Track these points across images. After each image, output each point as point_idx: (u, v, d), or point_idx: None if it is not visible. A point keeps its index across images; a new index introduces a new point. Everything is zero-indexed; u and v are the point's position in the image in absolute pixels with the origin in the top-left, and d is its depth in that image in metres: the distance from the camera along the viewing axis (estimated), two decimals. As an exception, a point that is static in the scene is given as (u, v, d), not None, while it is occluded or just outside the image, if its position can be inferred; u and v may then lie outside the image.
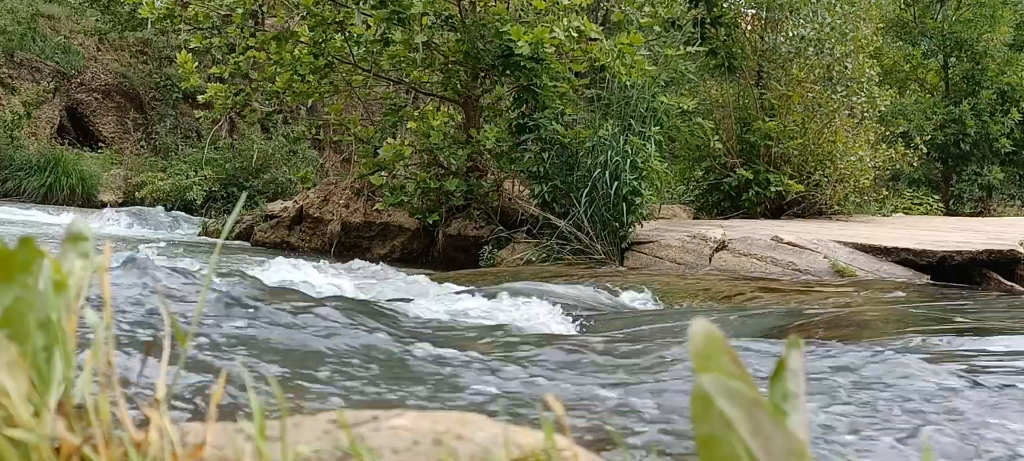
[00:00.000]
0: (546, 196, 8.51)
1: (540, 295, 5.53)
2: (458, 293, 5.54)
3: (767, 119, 11.42)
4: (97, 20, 20.68)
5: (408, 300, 5.23)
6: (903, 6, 18.56)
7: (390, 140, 9.84)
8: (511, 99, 9.16)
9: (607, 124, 8.41)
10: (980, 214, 16.85)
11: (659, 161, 8.66)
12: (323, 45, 9.35)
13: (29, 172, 17.20)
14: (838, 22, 11.28)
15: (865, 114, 11.81)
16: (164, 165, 17.47)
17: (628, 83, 8.66)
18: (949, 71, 18.21)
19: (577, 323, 4.84)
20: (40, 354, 0.74)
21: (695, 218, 11.39)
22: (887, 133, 13.14)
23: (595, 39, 8.61)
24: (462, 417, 0.82)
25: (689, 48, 9.93)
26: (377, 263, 8.34)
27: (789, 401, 0.63)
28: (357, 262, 8.17)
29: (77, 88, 20.66)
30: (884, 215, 12.93)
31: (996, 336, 4.25)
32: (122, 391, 0.76)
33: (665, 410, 2.63)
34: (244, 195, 1.19)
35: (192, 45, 11.19)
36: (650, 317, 5.26)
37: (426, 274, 7.21)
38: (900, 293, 6.13)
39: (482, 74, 9.33)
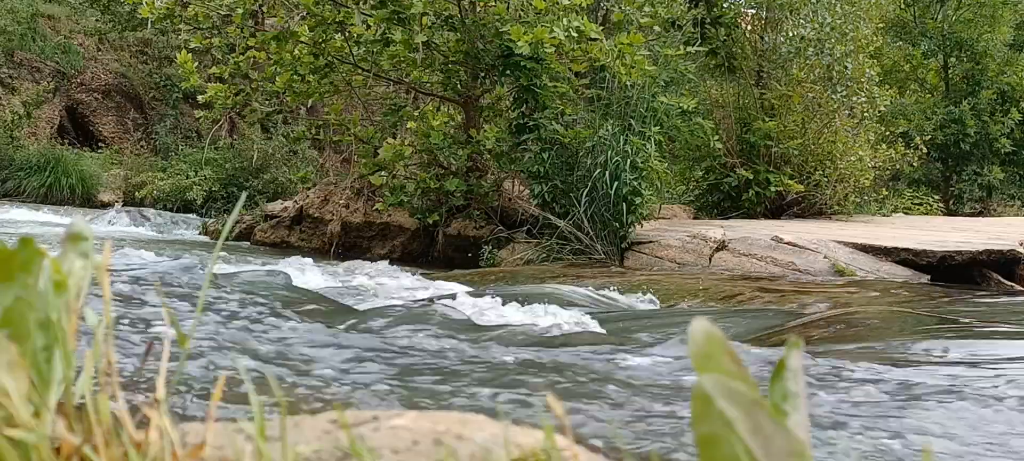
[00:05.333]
0: (546, 196, 8.50)
1: (540, 295, 5.53)
2: (457, 293, 5.54)
3: (767, 119, 11.42)
4: (97, 20, 20.66)
5: (407, 300, 5.23)
6: (903, 6, 18.55)
7: (390, 140, 9.84)
8: (511, 99, 9.15)
9: (607, 124, 8.40)
10: (980, 214, 16.84)
11: (659, 161, 8.66)
12: (323, 45, 9.34)
13: (29, 172, 17.18)
14: (838, 22, 11.28)
15: (865, 114, 11.81)
16: (164, 165, 17.46)
17: (628, 83, 8.66)
18: (949, 71, 18.21)
19: (576, 323, 4.84)
20: (40, 354, 0.74)
21: (695, 218, 11.39)
22: (887, 133, 13.14)
23: (595, 39, 8.61)
24: (462, 417, 0.82)
25: (689, 48, 9.92)
26: (377, 263, 8.34)
27: (789, 401, 0.63)
28: (357, 262, 8.16)
29: (77, 88, 20.65)
30: (884, 215, 12.93)
31: (996, 337, 4.25)
32: (122, 391, 0.76)
33: (664, 409, 2.63)
34: (244, 195, 1.19)
35: (192, 45, 11.19)
36: (650, 317, 5.26)
37: (426, 274, 7.21)
38: (900, 293, 6.13)
39: (482, 74, 9.32)
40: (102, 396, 0.73)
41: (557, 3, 8.70)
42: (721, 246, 7.74)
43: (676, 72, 9.66)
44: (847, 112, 11.57)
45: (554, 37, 8.33)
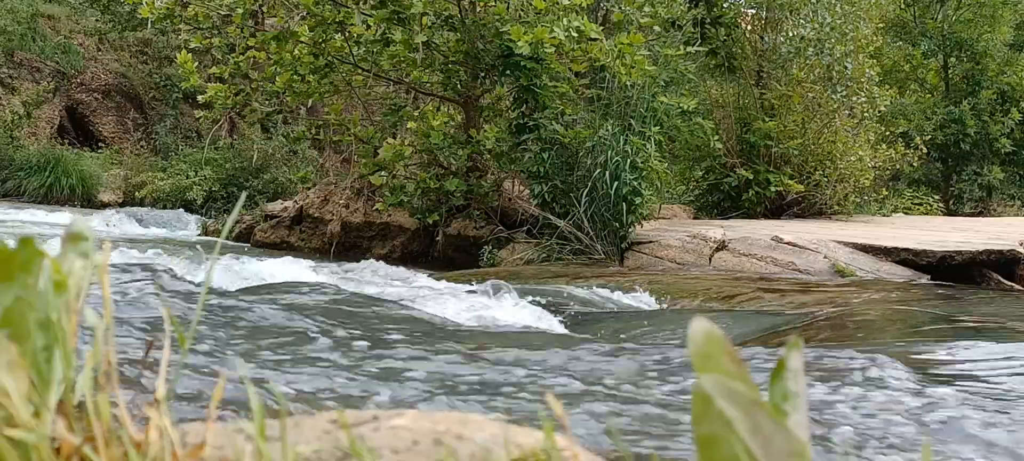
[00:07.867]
0: (546, 196, 8.51)
1: (539, 295, 5.53)
2: (457, 293, 5.54)
3: (767, 119, 11.42)
4: (97, 20, 20.67)
5: (408, 300, 5.23)
6: (903, 6, 18.55)
7: (390, 140, 9.84)
8: (511, 99, 9.16)
9: (607, 124, 8.41)
10: (980, 214, 16.84)
11: (659, 161, 8.66)
12: (323, 45, 9.34)
13: (29, 172, 17.18)
14: (838, 22, 11.28)
15: (865, 114, 11.81)
16: (164, 165, 17.46)
17: (628, 83, 8.66)
18: (949, 71, 18.21)
19: (577, 323, 4.84)
20: (40, 354, 0.74)
21: (695, 218, 11.39)
22: (887, 133, 13.14)
23: (595, 39, 8.61)
24: (462, 417, 0.82)
25: (689, 48, 9.92)
26: (376, 263, 8.33)
27: (789, 401, 0.63)
28: (357, 262, 8.16)
29: (77, 88, 20.65)
30: (884, 215, 12.93)
31: (996, 337, 4.25)
32: (122, 391, 0.76)
33: (663, 410, 2.63)
34: (244, 195, 1.19)
35: (192, 45, 11.20)
36: (649, 317, 5.26)
37: (426, 274, 7.21)
38: (900, 293, 6.12)
39: (482, 74, 9.33)
40: (102, 396, 0.74)
41: (557, 3, 8.70)
42: (721, 246, 7.74)
43: (676, 72, 9.66)
44: (847, 112, 11.57)
45: (554, 37, 8.34)
